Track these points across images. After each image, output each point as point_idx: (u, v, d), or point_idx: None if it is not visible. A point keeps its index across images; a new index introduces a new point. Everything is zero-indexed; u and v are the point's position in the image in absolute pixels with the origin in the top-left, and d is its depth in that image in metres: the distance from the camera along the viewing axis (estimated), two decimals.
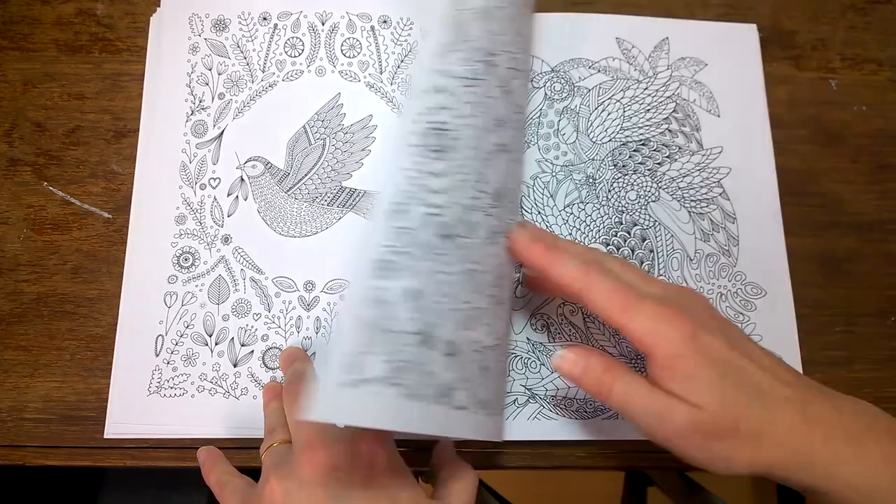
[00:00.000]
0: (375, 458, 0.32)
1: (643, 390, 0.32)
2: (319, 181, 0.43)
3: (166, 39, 0.45)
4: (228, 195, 0.43)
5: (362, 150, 0.44)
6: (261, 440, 0.38)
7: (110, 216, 0.43)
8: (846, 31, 0.48)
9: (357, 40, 0.45)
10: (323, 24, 0.45)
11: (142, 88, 0.45)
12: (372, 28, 0.45)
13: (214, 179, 0.43)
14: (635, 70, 0.47)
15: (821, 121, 0.46)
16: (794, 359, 0.42)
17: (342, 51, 0.45)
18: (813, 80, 0.47)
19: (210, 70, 0.45)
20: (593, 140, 0.45)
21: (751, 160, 0.46)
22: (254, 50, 0.45)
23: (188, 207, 0.43)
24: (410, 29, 0.45)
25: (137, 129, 0.44)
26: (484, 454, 0.40)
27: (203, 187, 0.43)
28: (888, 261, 0.44)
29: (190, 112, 0.44)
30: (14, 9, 0.46)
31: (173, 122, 0.44)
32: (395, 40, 0.45)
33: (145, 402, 0.40)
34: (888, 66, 0.47)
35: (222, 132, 0.44)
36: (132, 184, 0.43)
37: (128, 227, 0.42)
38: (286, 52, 0.45)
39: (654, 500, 0.78)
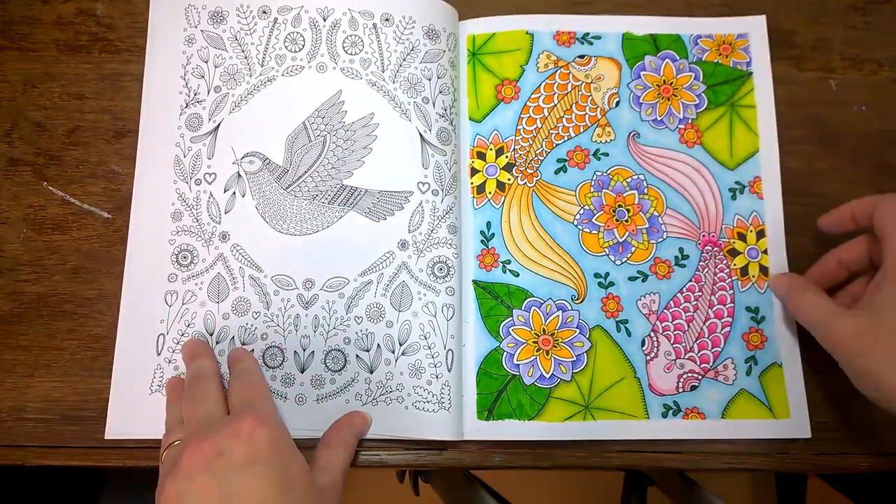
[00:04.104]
0: (256, 434, 0.33)
1: (820, 303, 0.37)
2: (320, 179, 0.43)
3: (161, 30, 0.45)
4: (225, 191, 0.43)
5: (363, 147, 0.43)
6: None
7: (110, 216, 0.43)
8: (846, 31, 0.48)
9: (359, 37, 0.45)
10: (324, 19, 0.45)
11: (142, 88, 0.45)
12: (374, 25, 0.45)
13: (210, 174, 0.43)
14: None
15: (821, 121, 0.46)
16: (795, 358, 0.42)
17: (344, 48, 0.45)
18: (813, 80, 0.47)
19: (206, 62, 0.44)
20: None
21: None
22: (252, 43, 0.45)
23: (184, 203, 0.42)
24: (413, 27, 0.45)
25: (137, 129, 0.44)
26: (483, 454, 0.40)
27: (198, 182, 0.43)
28: None
29: (184, 105, 0.44)
30: (14, 9, 0.46)
31: (167, 114, 0.44)
32: (398, 39, 0.45)
33: (147, 402, 0.40)
34: (888, 66, 0.47)
35: (218, 126, 0.43)
36: (132, 183, 0.43)
37: (128, 227, 0.42)
38: (286, 47, 0.45)
39: (654, 500, 0.78)
